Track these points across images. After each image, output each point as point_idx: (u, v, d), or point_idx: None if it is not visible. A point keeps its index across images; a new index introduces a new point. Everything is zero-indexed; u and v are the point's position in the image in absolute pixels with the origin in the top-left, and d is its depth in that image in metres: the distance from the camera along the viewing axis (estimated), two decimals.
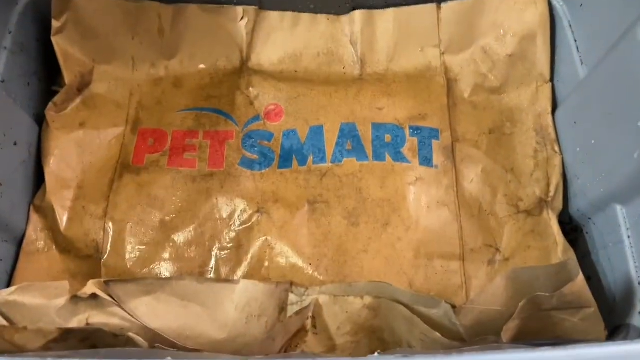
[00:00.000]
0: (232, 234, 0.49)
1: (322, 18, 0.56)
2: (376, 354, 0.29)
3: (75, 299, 0.39)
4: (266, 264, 0.48)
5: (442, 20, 0.55)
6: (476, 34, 0.55)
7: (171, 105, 0.54)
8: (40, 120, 0.52)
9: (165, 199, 0.50)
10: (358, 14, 0.55)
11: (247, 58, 0.56)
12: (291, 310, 0.43)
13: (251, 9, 0.55)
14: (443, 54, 0.56)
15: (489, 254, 0.49)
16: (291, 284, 0.44)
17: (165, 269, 0.48)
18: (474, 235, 0.49)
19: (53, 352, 0.35)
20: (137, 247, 0.49)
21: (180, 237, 0.49)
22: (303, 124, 0.54)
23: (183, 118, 0.54)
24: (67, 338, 0.36)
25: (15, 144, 0.48)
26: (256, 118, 0.54)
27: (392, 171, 0.51)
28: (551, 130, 0.52)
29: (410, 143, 0.52)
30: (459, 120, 0.54)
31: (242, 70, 0.56)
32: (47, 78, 0.54)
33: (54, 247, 0.49)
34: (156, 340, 0.40)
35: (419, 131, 0.53)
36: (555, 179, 0.51)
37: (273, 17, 0.56)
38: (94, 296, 0.39)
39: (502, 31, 0.54)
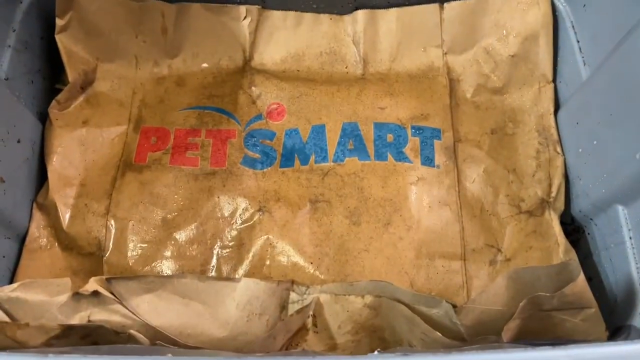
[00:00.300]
0: (234, 233, 0.49)
1: (324, 17, 0.56)
2: (376, 352, 0.29)
3: (77, 296, 0.39)
4: (267, 262, 0.48)
5: (444, 21, 0.55)
6: (479, 34, 0.55)
7: (174, 104, 0.55)
8: (43, 118, 0.52)
9: (168, 197, 0.50)
10: (361, 14, 0.55)
11: (249, 57, 0.57)
12: (292, 308, 0.43)
13: (254, 8, 0.55)
14: (445, 54, 0.56)
15: (490, 254, 0.49)
16: (292, 282, 0.44)
17: (166, 266, 0.48)
18: (476, 235, 0.49)
19: (54, 349, 0.35)
20: (139, 245, 0.49)
21: (182, 235, 0.49)
22: (305, 123, 0.54)
23: (186, 116, 0.54)
24: (69, 335, 0.36)
25: (18, 141, 0.48)
26: (258, 117, 0.54)
27: (393, 171, 0.51)
28: (553, 130, 0.52)
29: (412, 143, 0.52)
30: (461, 120, 0.54)
31: (245, 69, 0.56)
32: (51, 76, 0.54)
33: (57, 244, 0.49)
34: (157, 337, 0.40)
35: (421, 131, 0.53)
36: (557, 179, 0.51)
37: (276, 16, 0.56)
38: (95, 293, 0.40)
39: (504, 31, 0.54)
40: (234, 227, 0.49)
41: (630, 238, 0.43)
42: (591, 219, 0.49)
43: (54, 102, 0.51)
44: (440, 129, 0.53)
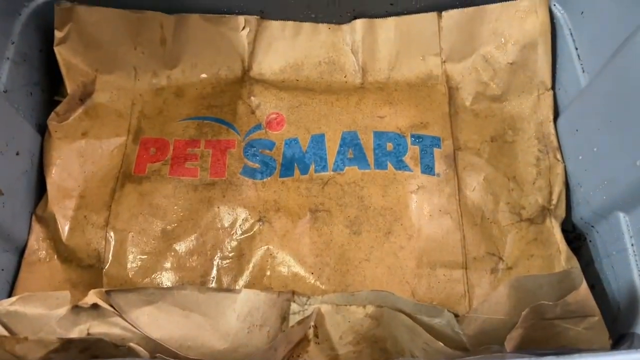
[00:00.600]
0: (234, 243, 0.49)
1: (323, 27, 0.56)
2: None
3: (76, 308, 0.39)
4: (268, 273, 0.48)
5: (443, 29, 0.55)
6: (477, 42, 0.55)
7: (173, 115, 0.55)
8: (42, 130, 0.52)
9: (167, 208, 0.50)
10: (359, 23, 0.55)
11: (248, 67, 0.57)
12: (293, 319, 0.43)
13: (253, 18, 0.55)
14: (444, 62, 0.56)
15: (491, 262, 0.48)
16: (293, 293, 0.44)
17: (166, 278, 0.48)
18: (477, 244, 0.49)
19: None
20: (138, 257, 0.49)
21: (181, 247, 0.49)
22: (304, 132, 0.54)
23: (185, 127, 0.54)
24: (68, 348, 0.35)
25: (17, 153, 0.48)
26: (258, 127, 0.54)
27: (393, 179, 0.51)
28: (553, 138, 0.52)
29: (412, 151, 0.52)
30: (460, 128, 0.54)
31: (244, 80, 0.56)
32: (50, 88, 0.54)
33: (56, 256, 0.49)
34: (157, 350, 0.40)
35: (421, 139, 0.53)
36: (558, 187, 0.51)
37: (274, 26, 0.56)
38: (95, 306, 0.39)
39: (503, 39, 0.54)
40: (234, 237, 0.49)
41: (632, 245, 0.43)
42: (592, 226, 0.49)
43: (52, 114, 0.51)
44: (440, 137, 0.53)
